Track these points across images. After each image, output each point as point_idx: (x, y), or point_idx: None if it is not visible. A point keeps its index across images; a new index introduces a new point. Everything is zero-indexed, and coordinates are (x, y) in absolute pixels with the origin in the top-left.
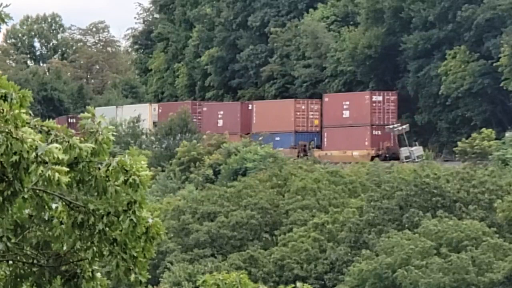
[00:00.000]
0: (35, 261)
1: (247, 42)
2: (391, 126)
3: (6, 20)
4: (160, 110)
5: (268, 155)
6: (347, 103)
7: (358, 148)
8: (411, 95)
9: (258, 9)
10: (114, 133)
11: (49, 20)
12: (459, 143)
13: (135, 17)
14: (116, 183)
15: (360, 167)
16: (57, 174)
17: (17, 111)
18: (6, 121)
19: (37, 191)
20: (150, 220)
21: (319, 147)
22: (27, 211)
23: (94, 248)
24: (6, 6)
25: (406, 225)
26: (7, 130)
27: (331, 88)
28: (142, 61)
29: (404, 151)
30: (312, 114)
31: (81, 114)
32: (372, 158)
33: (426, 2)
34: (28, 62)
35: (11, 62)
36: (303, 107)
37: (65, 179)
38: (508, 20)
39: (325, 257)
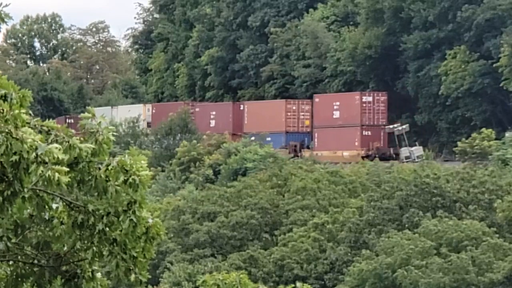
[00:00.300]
0: (35, 261)
1: (247, 42)
2: (391, 126)
3: (6, 20)
4: (153, 111)
5: (268, 155)
6: (338, 103)
7: (348, 148)
8: (411, 95)
9: (258, 9)
10: (114, 133)
11: (49, 20)
12: (459, 143)
13: (135, 17)
14: (116, 183)
15: (360, 167)
16: (57, 174)
17: (17, 111)
18: (6, 121)
19: (37, 191)
20: (150, 220)
21: (309, 147)
22: (27, 211)
23: (94, 248)
24: (6, 6)
25: (406, 225)
26: (7, 130)
27: (331, 88)
28: (142, 61)
29: (404, 151)
30: (303, 115)
31: (81, 114)
32: (362, 159)
33: (426, 2)
34: (28, 62)
35: (11, 62)
36: (294, 107)
37: (65, 179)
38: (508, 20)
39: (325, 257)
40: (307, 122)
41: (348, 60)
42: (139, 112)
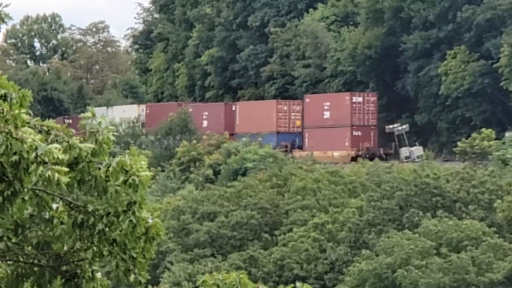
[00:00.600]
0: (35, 261)
1: (247, 42)
2: (391, 126)
3: (6, 20)
4: (147, 111)
5: (268, 155)
6: (328, 104)
7: (338, 148)
8: (411, 95)
9: (258, 9)
10: (114, 133)
11: (49, 20)
12: (459, 143)
13: (135, 17)
14: (116, 183)
15: (360, 167)
16: (57, 174)
17: (17, 111)
18: (6, 121)
19: (37, 191)
20: (150, 221)
21: (300, 147)
22: (27, 211)
23: (94, 248)
24: (6, 6)
25: (406, 225)
26: (7, 130)
27: (331, 88)
28: (142, 61)
29: (404, 151)
30: (294, 115)
31: (82, 115)
32: (352, 159)
33: (426, 2)
34: (28, 62)
35: (11, 62)
36: (285, 108)
37: (65, 179)
38: (508, 20)
39: (325, 257)
40: (298, 123)
41: (348, 60)
42: (134, 112)
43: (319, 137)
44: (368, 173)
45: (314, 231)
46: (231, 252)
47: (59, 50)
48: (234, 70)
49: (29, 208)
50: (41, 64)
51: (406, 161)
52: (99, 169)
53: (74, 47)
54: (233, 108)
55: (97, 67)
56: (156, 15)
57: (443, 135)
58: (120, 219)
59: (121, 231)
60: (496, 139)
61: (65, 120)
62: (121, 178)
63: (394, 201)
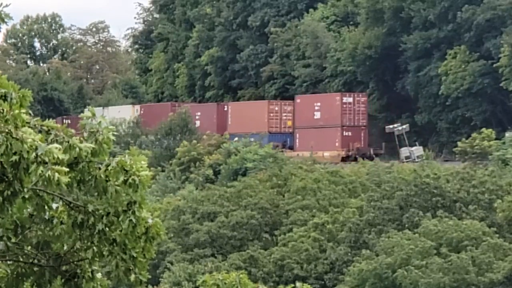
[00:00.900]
0: (35, 261)
1: (247, 42)
2: (391, 126)
3: (6, 20)
4: (142, 112)
5: (268, 155)
6: (318, 104)
7: (329, 149)
8: (411, 95)
9: (258, 9)
10: (115, 133)
11: (49, 20)
12: (459, 143)
13: (135, 17)
14: (116, 183)
15: (360, 167)
16: (57, 174)
17: (17, 111)
18: (6, 121)
19: (37, 191)
20: (150, 220)
21: (291, 148)
22: (27, 211)
23: (94, 248)
24: (6, 6)
25: (406, 225)
26: (7, 130)
27: (331, 88)
28: (142, 61)
29: (404, 151)
30: (285, 115)
31: (81, 114)
32: (342, 159)
33: (426, 2)
34: (28, 62)
35: (11, 62)
36: (276, 108)
37: (65, 179)
38: (508, 20)
39: (325, 257)
40: (290, 123)
41: (348, 60)
42: (129, 113)
43: (310, 137)
44: (368, 173)
45: (314, 231)
46: (231, 252)
47: (59, 50)
48: (234, 70)
49: (29, 208)
50: (41, 64)
51: (406, 161)
52: (99, 169)
53: (74, 47)
54: (225, 109)
55: (97, 67)
56: (156, 15)
57: (443, 135)
58: (120, 219)
59: (121, 231)
60: (496, 139)
61: (64, 121)
62: (121, 178)
63: (394, 201)
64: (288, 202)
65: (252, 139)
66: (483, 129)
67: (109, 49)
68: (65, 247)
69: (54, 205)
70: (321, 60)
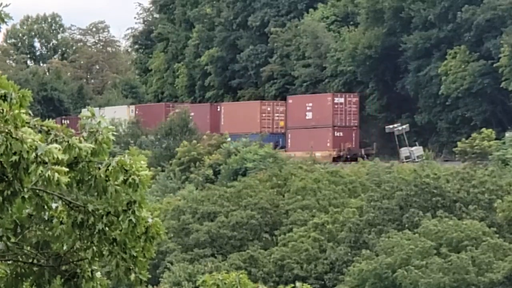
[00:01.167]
0: (35, 261)
1: (247, 42)
2: (391, 126)
3: (6, 20)
4: (136, 112)
5: (268, 155)
6: (310, 104)
7: (320, 149)
8: (411, 95)
9: (258, 9)
10: (114, 133)
11: (49, 20)
12: (459, 143)
13: (135, 17)
14: (115, 183)
15: (360, 167)
16: (56, 174)
17: (17, 111)
18: (6, 121)
19: (37, 191)
20: (150, 220)
21: (283, 147)
22: (27, 211)
23: (94, 248)
24: (6, 6)
25: (406, 225)
26: (7, 130)
27: (331, 88)
28: (142, 61)
29: (404, 151)
30: (278, 116)
31: (81, 114)
32: (334, 159)
33: (426, 2)
34: (28, 62)
35: (11, 62)
36: (268, 108)
37: (64, 179)
38: (508, 20)
39: (325, 257)
40: (282, 123)
41: (348, 60)
42: (124, 113)
43: (302, 137)
44: (368, 173)
45: (314, 231)
46: (231, 252)
47: (59, 50)
48: (234, 70)
49: (29, 208)
50: (41, 64)
51: (406, 161)
52: (99, 169)
53: (74, 47)
54: (218, 109)
55: (97, 67)
56: (156, 15)
57: (443, 135)
58: (120, 218)
59: (121, 230)
60: (496, 139)
61: (63, 121)
62: (121, 178)
63: (394, 201)
64: (288, 202)
65: (246, 139)
66: (483, 129)
67: (109, 49)
68: (64, 247)
69: (53, 205)
70: (321, 60)
